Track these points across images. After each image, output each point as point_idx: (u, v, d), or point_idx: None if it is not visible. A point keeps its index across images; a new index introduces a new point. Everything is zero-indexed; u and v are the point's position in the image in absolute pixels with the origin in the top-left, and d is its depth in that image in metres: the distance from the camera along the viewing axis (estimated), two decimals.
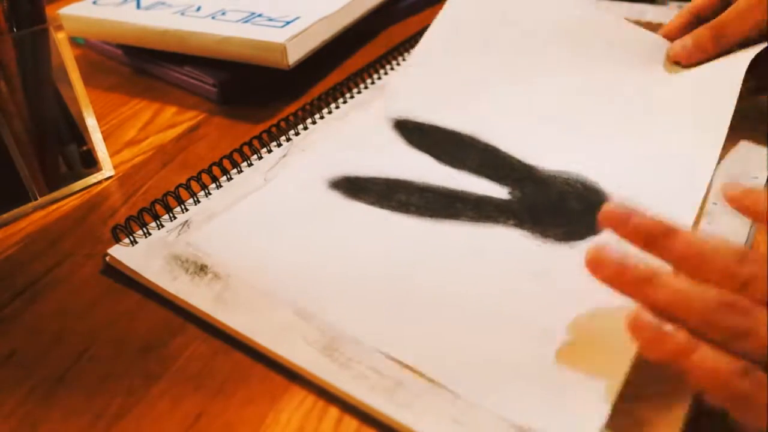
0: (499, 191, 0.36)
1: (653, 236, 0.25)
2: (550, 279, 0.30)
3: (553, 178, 0.37)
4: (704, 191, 0.34)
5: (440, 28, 0.48)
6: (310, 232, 0.34)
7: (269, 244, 0.33)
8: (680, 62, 0.42)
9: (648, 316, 0.23)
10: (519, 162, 0.39)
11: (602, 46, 0.44)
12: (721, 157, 0.37)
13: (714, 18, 0.41)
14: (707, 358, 0.22)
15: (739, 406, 0.22)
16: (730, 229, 0.32)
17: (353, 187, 0.37)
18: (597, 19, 0.46)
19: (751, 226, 0.33)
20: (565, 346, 0.27)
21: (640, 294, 0.24)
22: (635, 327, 0.23)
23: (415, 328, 0.28)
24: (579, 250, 0.32)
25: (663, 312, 0.24)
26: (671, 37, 0.44)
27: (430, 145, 0.41)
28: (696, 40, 0.41)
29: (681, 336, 0.23)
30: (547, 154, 0.39)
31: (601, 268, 0.25)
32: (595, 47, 0.45)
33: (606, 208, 0.26)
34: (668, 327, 0.23)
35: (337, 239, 0.34)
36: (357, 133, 0.42)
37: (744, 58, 0.39)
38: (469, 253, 0.32)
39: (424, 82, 0.46)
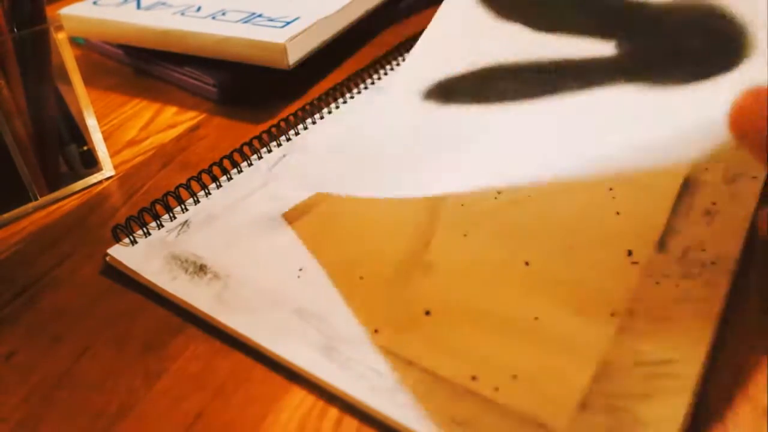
0: (604, 48, 0.31)
1: None
2: (673, 121, 0.25)
3: (667, 14, 0.31)
4: None
5: None
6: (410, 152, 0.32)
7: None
8: None
9: None
10: (623, 2, 0.33)
11: None
12: (720, 154, 0.37)
13: None
14: None
15: None
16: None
17: (447, 91, 0.34)
18: None
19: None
20: None
21: None
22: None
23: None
24: (705, 88, 0.26)
25: None
26: None
27: (521, 11, 0.36)
28: None
29: None
30: None
31: (745, 120, 0.19)
32: None
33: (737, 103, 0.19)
34: None
35: (435, 150, 0.31)
36: (442, 24, 0.38)
37: None
38: (579, 130, 0.28)
39: None
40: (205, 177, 0.38)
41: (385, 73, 0.50)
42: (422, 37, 0.38)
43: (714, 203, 0.34)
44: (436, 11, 0.48)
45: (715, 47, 0.28)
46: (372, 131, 0.34)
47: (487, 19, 0.37)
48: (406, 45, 0.54)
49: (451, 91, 0.34)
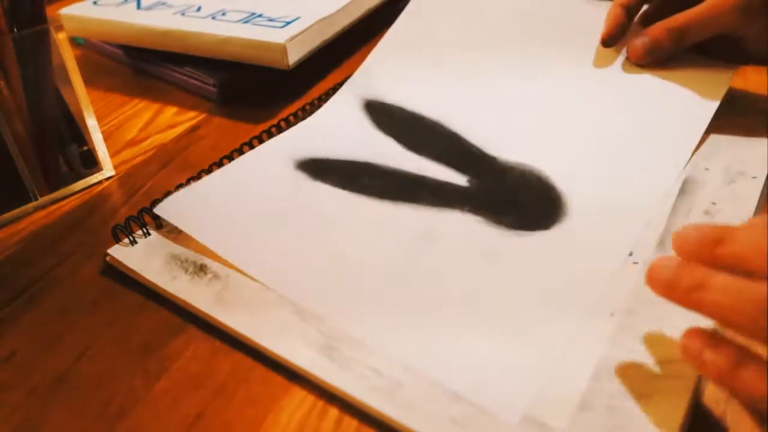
0: (458, 178, 0.38)
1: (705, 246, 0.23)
2: (499, 262, 0.32)
3: (510, 169, 0.38)
4: (658, 202, 0.35)
5: (415, 11, 0.50)
6: (274, 212, 0.35)
7: (234, 219, 0.35)
8: (640, 62, 0.42)
9: (695, 335, 0.23)
10: (480, 152, 0.40)
11: (572, 37, 0.45)
12: (720, 154, 0.37)
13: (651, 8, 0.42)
14: (754, 379, 0.21)
15: None
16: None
17: (319, 168, 0.39)
18: (570, 6, 0.47)
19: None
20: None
21: (691, 302, 0.23)
22: (683, 348, 0.23)
23: (368, 303, 0.30)
24: (527, 239, 0.33)
25: (716, 318, 0.22)
26: (614, 43, 0.43)
27: (397, 130, 0.42)
28: (655, 42, 0.41)
29: (722, 357, 0.22)
30: (507, 144, 0.40)
31: (655, 282, 0.24)
32: (565, 38, 0.45)
33: (676, 236, 0.24)
34: (711, 349, 0.22)
35: (300, 220, 0.35)
36: (328, 115, 0.44)
37: (725, 79, 0.41)
38: (424, 234, 0.33)
39: (396, 63, 0.47)
40: (205, 177, 0.38)
41: None
42: (310, 118, 0.44)
43: (714, 203, 0.34)
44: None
45: (539, 206, 0.35)
46: (251, 189, 0.37)
47: (365, 124, 0.43)
48: None
49: (322, 170, 0.38)
